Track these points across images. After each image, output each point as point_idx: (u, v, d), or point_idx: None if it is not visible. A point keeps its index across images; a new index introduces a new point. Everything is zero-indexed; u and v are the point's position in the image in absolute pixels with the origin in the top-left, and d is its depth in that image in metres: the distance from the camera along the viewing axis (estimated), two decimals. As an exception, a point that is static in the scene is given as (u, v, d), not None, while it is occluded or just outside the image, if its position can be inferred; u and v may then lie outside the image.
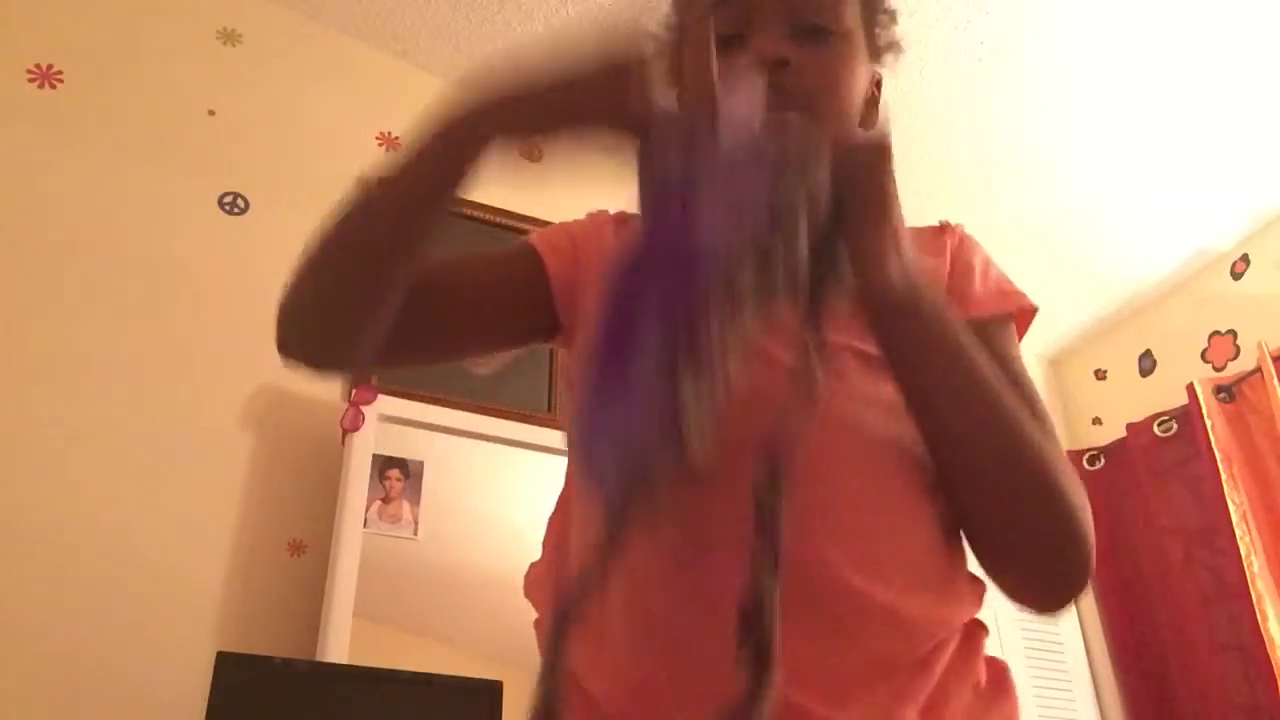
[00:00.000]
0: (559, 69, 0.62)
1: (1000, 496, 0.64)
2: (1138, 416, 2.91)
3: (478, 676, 1.68)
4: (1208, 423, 2.63)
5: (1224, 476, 2.56)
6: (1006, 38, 2.37)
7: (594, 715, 0.64)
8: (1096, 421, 3.14)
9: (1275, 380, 2.55)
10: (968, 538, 0.68)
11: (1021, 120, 2.58)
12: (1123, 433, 2.95)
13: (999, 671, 0.70)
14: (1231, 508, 2.52)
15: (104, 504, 1.83)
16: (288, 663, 1.69)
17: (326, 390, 2.11)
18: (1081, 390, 3.24)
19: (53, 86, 2.12)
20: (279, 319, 0.74)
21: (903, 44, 0.89)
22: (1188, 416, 2.71)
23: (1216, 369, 2.80)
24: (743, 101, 0.57)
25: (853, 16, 0.81)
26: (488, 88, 0.65)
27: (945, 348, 0.64)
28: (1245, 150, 2.61)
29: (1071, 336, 3.25)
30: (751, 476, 0.55)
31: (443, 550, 2.08)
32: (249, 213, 2.21)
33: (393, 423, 2.03)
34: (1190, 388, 2.70)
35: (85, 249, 2.01)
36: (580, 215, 0.89)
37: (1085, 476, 3.03)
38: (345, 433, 2.00)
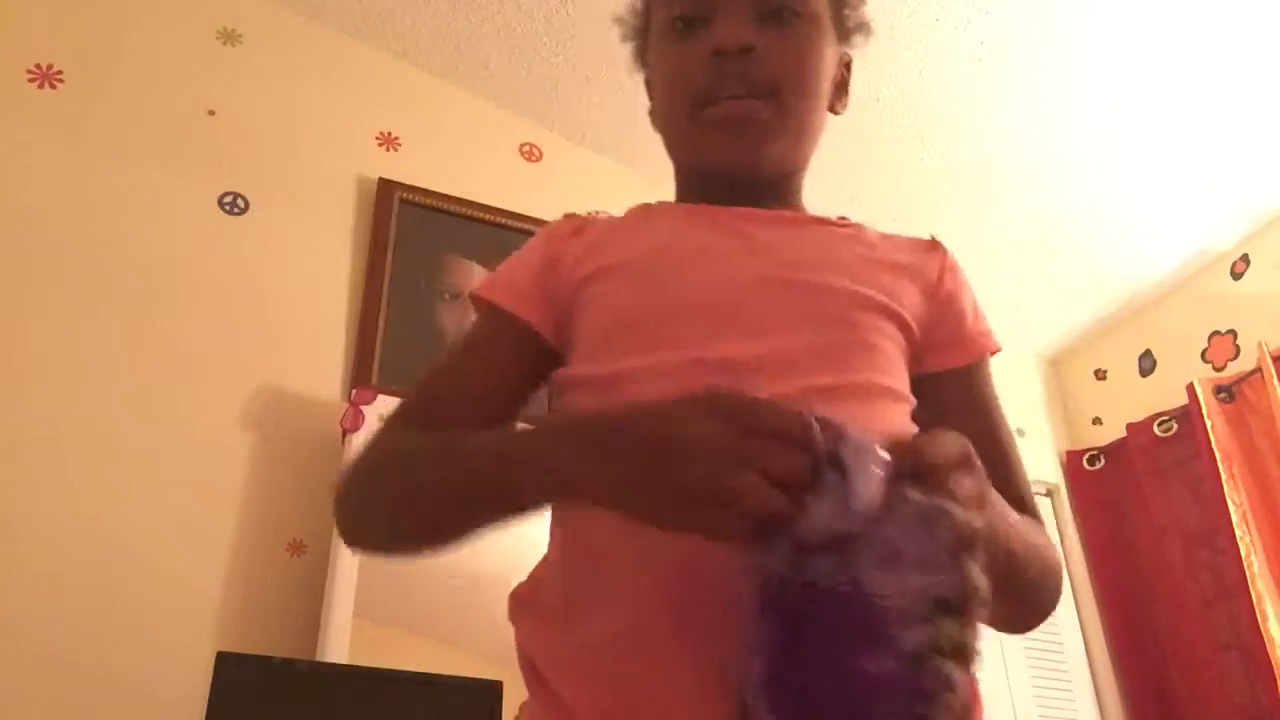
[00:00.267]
0: (677, 446, 0.51)
1: (1035, 616, 0.74)
2: (1138, 416, 2.91)
3: (478, 676, 1.68)
4: (1208, 423, 2.63)
5: (1224, 476, 2.56)
6: (1006, 38, 2.36)
7: None
8: (1096, 421, 3.14)
9: (1275, 380, 2.55)
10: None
11: (1021, 120, 2.57)
12: (1123, 433, 2.95)
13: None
14: (1231, 508, 2.52)
15: (104, 504, 1.83)
16: (288, 663, 1.69)
17: (326, 390, 2.11)
18: (1081, 390, 3.24)
19: (53, 86, 2.12)
20: (345, 529, 0.73)
21: (872, 25, 0.87)
22: (1188, 416, 2.71)
23: (1216, 369, 2.80)
24: (868, 480, 0.49)
25: None
26: (602, 446, 0.56)
27: (1017, 565, 0.65)
28: (1245, 150, 2.61)
29: (1071, 336, 3.25)
30: None
31: (443, 550, 2.07)
32: (249, 213, 2.21)
33: (393, 423, 2.03)
34: (1190, 388, 2.70)
35: (85, 249, 2.01)
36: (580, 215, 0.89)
37: (1085, 476, 3.03)
38: (345, 433, 2.00)
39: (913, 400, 0.75)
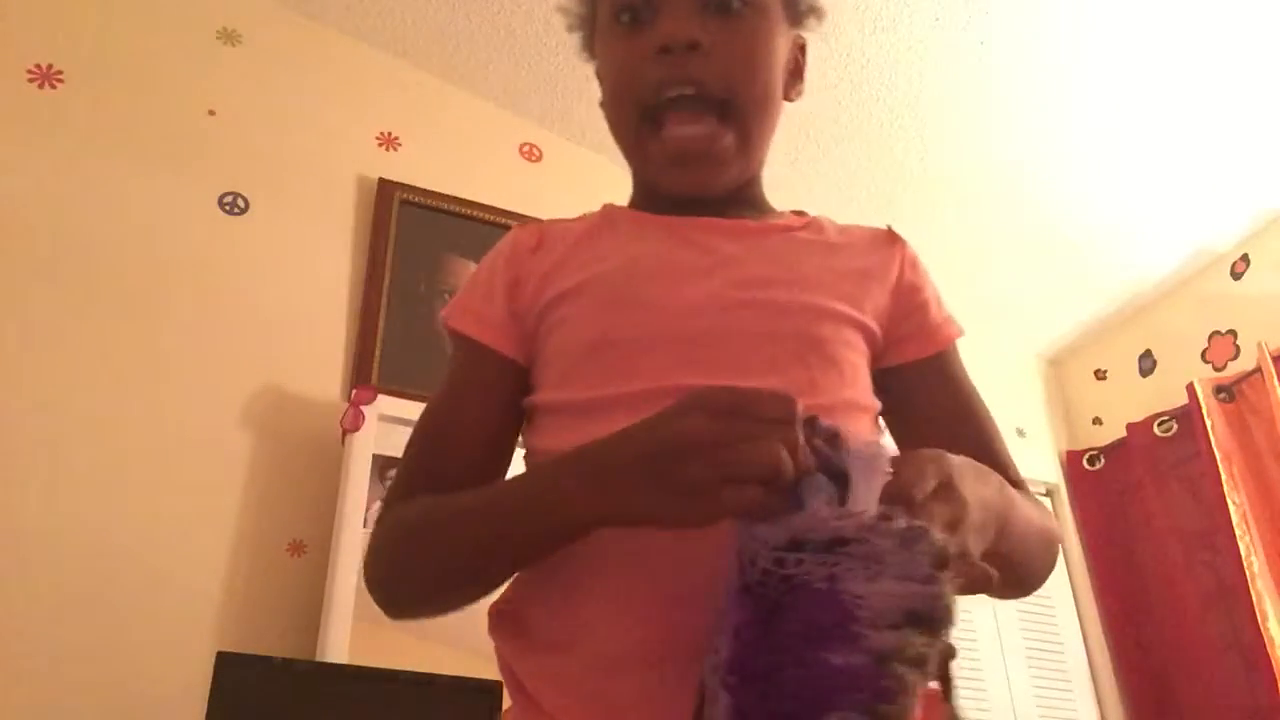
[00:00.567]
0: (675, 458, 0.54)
1: (1035, 582, 0.75)
2: (1138, 416, 2.91)
3: (478, 676, 1.68)
4: (1208, 423, 2.63)
5: (1224, 476, 2.56)
6: (1006, 38, 2.37)
7: None
8: (1096, 421, 3.14)
9: (1275, 380, 2.55)
10: None
11: (1021, 120, 2.57)
12: (1123, 433, 2.96)
13: (929, 700, 0.68)
14: (1231, 508, 2.52)
15: (104, 504, 1.82)
16: (288, 663, 1.69)
17: (326, 390, 2.11)
18: (1081, 390, 3.24)
19: (53, 86, 2.12)
20: (380, 596, 0.74)
21: (823, 8, 0.85)
22: (1188, 416, 2.71)
23: (1216, 369, 2.80)
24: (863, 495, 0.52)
25: None
26: (604, 463, 0.59)
27: (1016, 534, 0.66)
28: (1245, 150, 2.62)
29: (1071, 336, 3.25)
30: None
31: (443, 550, 2.07)
32: (249, 213, 2.21)
33: (393, 423, 2.03)
34: (1190, 388, 2.70)
35: (85, 249, 2.01)
36: (577, 214, 0.88)
37: (1085, 476, 3.03)
38: (345, 433, 2.00)
39: (876, 406, 0.76)
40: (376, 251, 2.29)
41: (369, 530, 1.95)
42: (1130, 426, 2.92)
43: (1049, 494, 3.04)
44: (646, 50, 0.77)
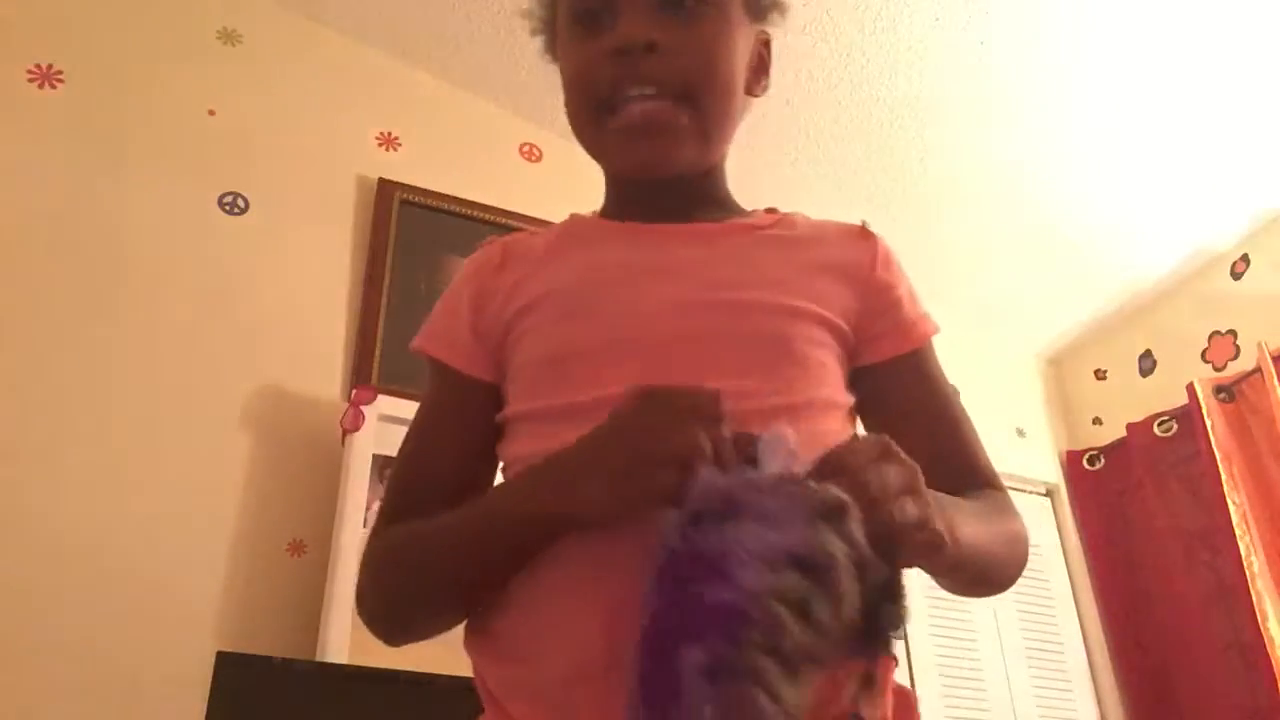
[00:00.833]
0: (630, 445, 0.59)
1: (996, 576, 0.75)
2: (1138, 416, 2.91)
3: (478, 676, 1.68)
4: (1208, 423, 2.63)
5: (1224, 476, 2.56)
6: (1006, 38, 2.37)
7: None
8: (1096, 421, 3.14)
9: (1275, 380, 2.55)
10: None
11: (1021, 120, 2.57)
12: (1123, 433, 2.96)
13: (904, 699, 0.67)
14: (1231, 508, 2.52)
15: (104, 504, 1.82)
16: (288, 663, 1.68)
17: (326, 390, 2.11)
18: (1081, 390, 3.24)
19: (53, 86, 2.12)
20: (377, 629, 0.75)
21: (786, 3, 0.85)
22: (1188, 416, 2.71)
23: (1216, 369, 2.80)
24: (772, 464, 0.56)
25: None
26: (567, 465, 0.63)
27: (978, 556, 0.67)
28: (1245, 150, 2.62)
29: (1071, 336, 3.25)
30: None
31: (443, 550, 2.07)
32: (249, 213, 2.21)
33: (393, 423, 2.03)
34: (1190, 388, 2.70)
35: (85, 249, 2.01)
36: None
37: (1085, 476, 3.03)
38: (345, 433, 2.00)
39: (848, 403, 0.76)
40: (376, 251, 2.29)
41: (369, 530, 1.95)
42: (1130, 426, 2.92)
43: (1049, 494, 3.04)
44: (605, 52, 0.77)
